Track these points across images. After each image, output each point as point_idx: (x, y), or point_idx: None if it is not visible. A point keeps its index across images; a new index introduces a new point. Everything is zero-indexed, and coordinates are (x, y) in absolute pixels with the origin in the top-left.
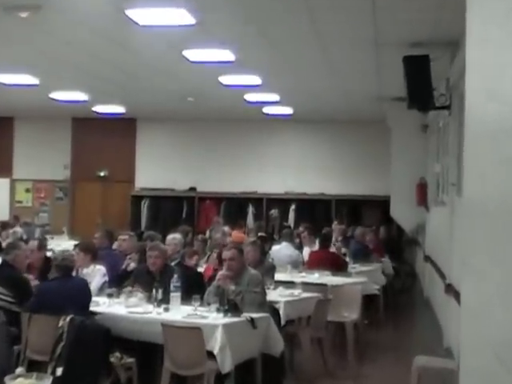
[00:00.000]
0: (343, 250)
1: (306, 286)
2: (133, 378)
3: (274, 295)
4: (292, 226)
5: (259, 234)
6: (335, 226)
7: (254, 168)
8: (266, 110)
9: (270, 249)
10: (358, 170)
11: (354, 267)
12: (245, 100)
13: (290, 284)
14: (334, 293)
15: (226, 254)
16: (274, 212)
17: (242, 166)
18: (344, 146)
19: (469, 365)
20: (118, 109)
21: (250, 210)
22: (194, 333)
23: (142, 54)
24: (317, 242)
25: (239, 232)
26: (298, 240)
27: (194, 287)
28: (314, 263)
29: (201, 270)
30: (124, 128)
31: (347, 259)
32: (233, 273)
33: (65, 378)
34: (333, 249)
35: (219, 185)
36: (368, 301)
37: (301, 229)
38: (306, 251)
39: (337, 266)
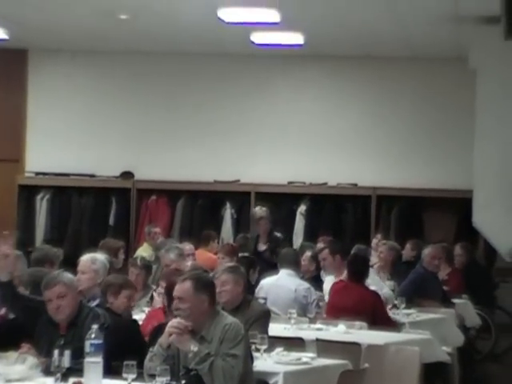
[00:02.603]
0: (388, 285)
1: (324, 346)
2: None
3: (269, 362)
4: (300, 240)
5: (241, 254)
6: (378, 241)
7: (236, 141)
8: (257, 36)
9: (258, 280)
10: (418, 147)
11: (407, 314)
12: (219, 18)
13: (295, 343)
14: (373, 359)
15: (176, 289)
16: (261, 211)
17: (214, 136)
18: (393, 104)
19: None
20: None
21: (228, 212)
22: None
23: None
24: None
25: (207, 250)
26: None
27: (125, 347)
28: (339, 307)
29: (139, 317)
30: (6, 67)
31: (395, 301)
32: (193, 322)
33: None
34: (373, 283)
35: (174, 169)
36: (432, 374)
37: (318, 245)
38: (327, 285)
39: (377, 315)
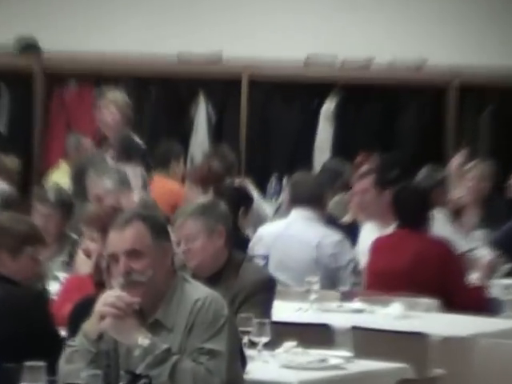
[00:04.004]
0: (477, 237)
1: (366, 338)
2: None
3: (273, 365)
4: (325, 156)
5: (229, 181)
6: (460, 163)
7: None
8: None
9: (254, 226)
10: None
11: (507, 286)
12: None
13: (316, 333)
14: (450, 361)
15: (122, 238)
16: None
17: None
18: None
19: None
20: None
21: (202, 110)
22: None
23: None
24: None
25: (168, 177)
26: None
27: (27, 337)
28: (383, 272)
29: (51, 289)
30: None
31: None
32: (145, 296)
33: None
34: (442, 228)
35: (108, 37)
36: None
37: (362, 163)
38: (364, 237)
39: (448, 281)
